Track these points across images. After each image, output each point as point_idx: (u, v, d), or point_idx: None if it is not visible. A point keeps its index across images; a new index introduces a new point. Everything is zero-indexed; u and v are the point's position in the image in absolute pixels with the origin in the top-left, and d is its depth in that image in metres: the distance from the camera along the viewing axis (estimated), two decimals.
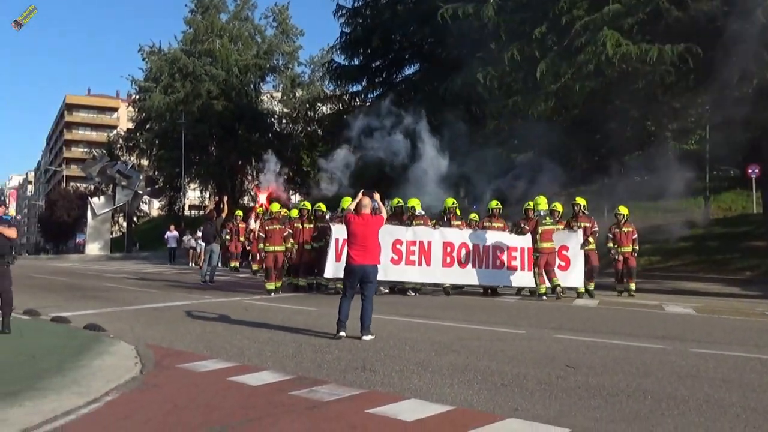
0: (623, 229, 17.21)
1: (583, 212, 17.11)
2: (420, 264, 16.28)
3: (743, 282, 18.85)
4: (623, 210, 17.52)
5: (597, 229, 16.96)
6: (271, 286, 16.69)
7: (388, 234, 15.43)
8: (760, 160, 25.08)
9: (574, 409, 5.92)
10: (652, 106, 24.22)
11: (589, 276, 16.63)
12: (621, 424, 5.45)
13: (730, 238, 23.66)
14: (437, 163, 18.53)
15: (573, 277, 16.38)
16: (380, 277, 14.79)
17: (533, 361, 8.01)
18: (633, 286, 16.84)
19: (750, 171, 26.83)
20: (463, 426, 5.38)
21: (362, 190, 10.28)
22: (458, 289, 17.31)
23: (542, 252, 15.92)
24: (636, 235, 17.29)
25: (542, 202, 16.38)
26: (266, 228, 16.99)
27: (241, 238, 25.09)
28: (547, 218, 16.13)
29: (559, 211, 16.83)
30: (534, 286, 16.23)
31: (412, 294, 16.64)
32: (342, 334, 9.48)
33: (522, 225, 16.72)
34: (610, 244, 17.24)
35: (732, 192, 31.83)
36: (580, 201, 17.28)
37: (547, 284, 15.93)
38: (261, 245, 17.05)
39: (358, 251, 9.75)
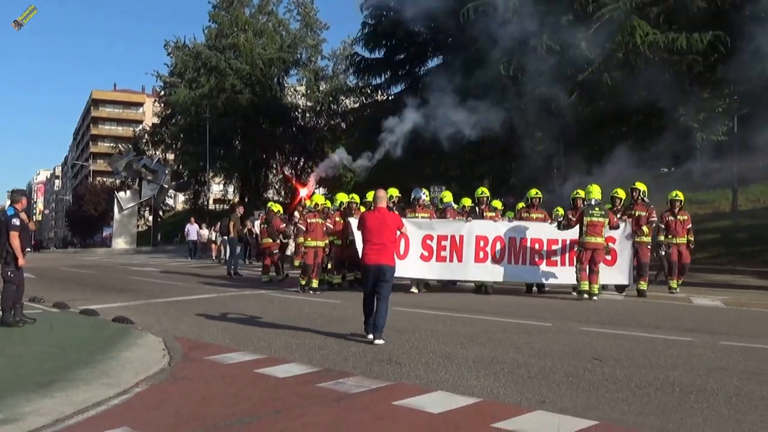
0: (679, 217, 15.45)
1: (642, 199, 15.20)
2: (451, 260, 15.00)
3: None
4: (680, 195, 15.73)
5: (655, 218, 15.06)
6: (313, 283, 15.61)
7: (418, 228, 14.97)
8: None
9: (602, 401, 5.89)
10: (679, 96, 23.95)
11: (640, 273, 14.85)
12: (649, 416, 5.42)
13: (759, 230, 23.33)
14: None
15: (618, 272, 14.70)
16: (410, 274, 14.98)
17: (560, 354, 7.97)
18: (677, 283, 15.37)
19: None
20: (490, 418, 5.37)
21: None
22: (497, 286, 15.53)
23: (586, 247, 14.00)
24: (691, 225, 15.60)
25: (595, 191, 14.41)
26: (308, 221, 15.74)
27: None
28: (596, 209, 14.05)
29: (621, 198, 15.32)
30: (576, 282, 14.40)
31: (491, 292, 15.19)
32: (370, 336, 8.81)
33: (570, 217, 14.95)
34: (661, 237, 15.49)
35: (760, 183, 31.39)
36: (641, 186, 15.33)
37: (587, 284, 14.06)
38: (301, 239, 15.97)
39: (375, 249, 9.04)
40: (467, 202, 16.79)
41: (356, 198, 16.86)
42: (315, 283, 15.66)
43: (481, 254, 14.99)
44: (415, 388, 6.37)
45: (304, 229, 15.78)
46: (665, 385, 6.39)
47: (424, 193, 16.29)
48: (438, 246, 14.99)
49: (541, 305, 13.23)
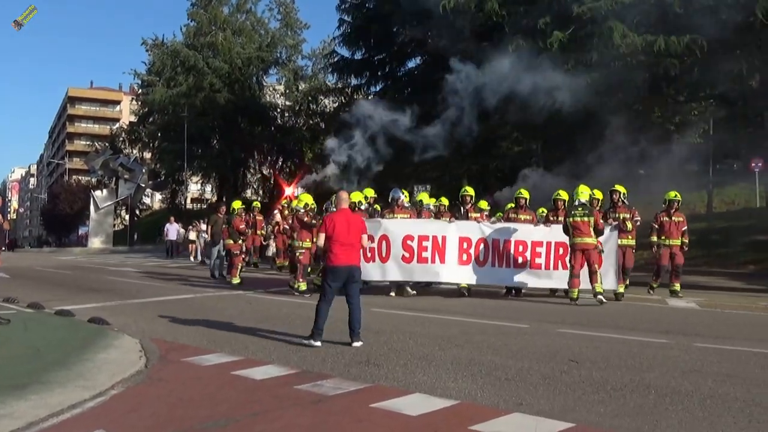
0: (674, 218, 14.97)
1: (623, 201, 14.97)
2: (433, 261, 14.50)
3: (746, 276, 18.82)
4: (678, 195, 15.23)
5: (639, 219, 14.77)
6: (302, 286, 15.01)
7: (398, 229, 14.63)
8: (763, 154, 25.03)
9: (578, 403, 5.93)
10: (656, 99, 24.20)
11: (621, 276, 14.47)
12: (625, 418, 5.46)
13: (734, 232, 23.61)
14: None
15: (604, 277, 13.79)
16: (391, 277, 14.68)
17: (537, 356, 8.02)
18: (678, 287, 14.83)
19: (753, 165, 26.72)
20: (468, 420, 5.39)
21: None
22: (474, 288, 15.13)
23: (574, 248, 13.49)
24: (686, 227, 15.10)
25: (583, 192, 13.90)
26: (303, 221, 15.10)
27: (259, 232, 23.94)
28: (579, 209, 13.55)
29: (598, 199, 14.84)
30: (566, 287, 13.97)
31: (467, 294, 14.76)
32: (318, 343, 8.55)
33: (551, 219, 14.88)
34: (654, 238, 14.97)
35: (735, 186, 31.77)
36: (620, 188, 15.03)
37: (580, 288, 13.51)
38: (299, 241, 15.14)
39: (345, 250, 8.88)
40: (445, 201, 16.32)
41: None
42: (304, 286, 15.04)
43: (465, 256, 14.58)
44: (393, 390, 6.38)
45: (298, 228, 15.15)
46: (641, 387, 6.44)
47: (402, 194, 15.83)
48: (419, 247, 14.49)
49: (518, 307, 13.28)
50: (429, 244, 14.50)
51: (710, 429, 5.22)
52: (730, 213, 28.11)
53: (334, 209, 14.04)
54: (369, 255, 14.16)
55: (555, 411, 5.66)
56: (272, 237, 23.33)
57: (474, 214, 15.31)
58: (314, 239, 14.45)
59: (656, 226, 15.01)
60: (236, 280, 17.67)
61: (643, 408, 5.77)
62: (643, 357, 7.95)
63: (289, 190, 23.70)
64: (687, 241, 15.08)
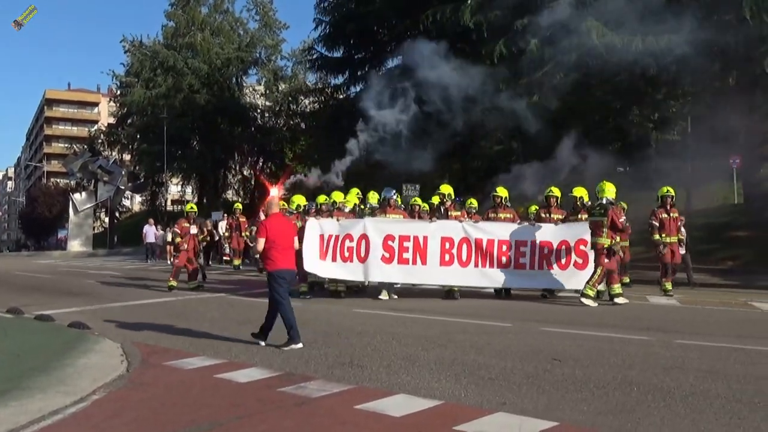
0: (672, 214, 14.69)
1: (610, 201, 13.87)
2: (414, 263, 14.03)
3: (725, 272, 18.97)
4: (672, 190, 14.92)
5: (624, 219, 13.84)
6: (304, 288, 14.66)
7: (379, 228, 14.17)
8: (740, 151, 25.26)
9: (562, 402, 5.96)
10: (634, 97, 24.37)
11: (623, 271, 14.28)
12: (608, 416, 5.49)
13: (712, 229, 23.81)
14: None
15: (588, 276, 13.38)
16: (370, 277, 14.28)
17: (520, 355, 8.04)
18: (669, 285, 14.71)
19: (731, 162, 26.96)
20: (452, 421, 5.40)
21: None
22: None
23: (593, 248, 13.32)
24: (683, 221, 14.92)
25: (609, 190, 13.38)
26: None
27: (244, 234, 23.77)
28: (597, 208, 13.34)
29: (581, 198, 14.31)
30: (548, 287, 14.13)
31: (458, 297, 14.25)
32: (300, 345, 8.63)
33: (543, 216, 14.60)
34: (656, 236, 14.57)
35: (714, 183, 32.02)
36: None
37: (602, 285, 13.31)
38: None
39: (286, 254, 9.01)
40: (436, 199, 15.92)
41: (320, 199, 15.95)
42: (305, 287, 14.71)
43: (447, 257, 14.07)
44: (377, 391, 6.37)
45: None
46: (623, 385, 6.48)
47: (394, 193, 15.44)
48: (400, 247, 14.04)
49: (501, 306, 13.32)
50: (410, 244, 14.05)
51: (692, 426, 5.26)
52: (709, 210, 28.35)
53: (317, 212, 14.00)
54: (347, 255, 13.98)
55: (538, 410, 5.69)
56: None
57: (454, 213, 14.98)
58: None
59: (656, 224, 14.63)
60: (172, 283, 16.87)
61: (626, 405, 5.81)
62: (625, 354, 8.00)
63: (274, 191, 23.06)
64: (684, 237, 14.98)
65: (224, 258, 27.85)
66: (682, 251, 16.07)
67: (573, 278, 13.70)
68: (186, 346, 8.90)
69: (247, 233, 23.88)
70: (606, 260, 13.11)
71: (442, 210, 15.18)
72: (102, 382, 6.73)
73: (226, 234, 25.18)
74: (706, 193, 30.95)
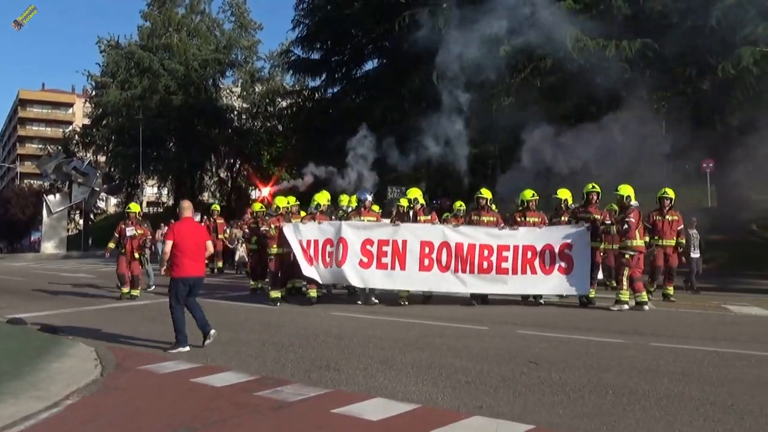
0: (667, 217, 14.33)
1: (597, 201, 13.98)
2: (393, 267, 13.49)
3: (699, 275, 19.12)
4: (671, 193, 14.55)
5: (609, 221, 13.57)
6: (276, 294, 14.02)
7: (357, 231, 13.68)
8: (713, 155, 25.57)
9: (538, 405, 5.98)
10: (610, 100, 24.57)
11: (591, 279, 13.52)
12: (584, 419, 5.52)
13: (647, 230, 24.02)
14: None
15: (576, 281, 13.21)
16: (347, 282, 13.87)
17: (497, 358, 8.07)
18: (671, 290, 14.37)
19: (704, 165, 27.29)
20: (428, 424, 5.40)
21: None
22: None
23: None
24: (682, 226, 14.44)
25: (628, 191, 13.22)
26: (272, 226, 14.24)
27: (221, 236, 23.23)
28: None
29: (564, 200, 14.15)
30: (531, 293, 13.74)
31: (405, 304, 13.68)
32: (186, 348, 8.69)
33: (519, 220, 13.95)
34: (646, 238, 13.95)
35: (686, 187, 32.37)
36: (596, 187, 13.96)
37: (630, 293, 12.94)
38: (274, 249, 14.24)
39: (190, 261, 8.98)
40: (404, 202, 15.11)
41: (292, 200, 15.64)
42: (278, 294, 14.05)
43: (426, 261, 13.49)
44: (354, 395, 6.36)
45: (273, 233, 14.17)
46: (599, 388, 6.52)
47: (370, 194, 15.08)
48: (378, 252, 13.53)
49: (478, 309, 13.28)
50: (389, 249, 13.52)
51: (667, 428, 5.30)
52: (684, 213, 28.63)
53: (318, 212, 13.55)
54: (329, 260, 13.58)
55: (515, 413, 5.71)
56: (240, 241, 22.71)
57: (424, 218, 14.36)
58: (268, 248, 14.36)
59: (648, 226, 14.19)
60: (125, 290, 15.70)
61: (602, 408, 5.84)
62: (601, 357, 8.05)
63: (265, 191, 22.33)
64: (684, 241, 14.56)
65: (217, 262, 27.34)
66: (696, 254, 16.28)
67: (558, 283, 13.31)
68: (161, 349, 8.82)
69: (226, 235, 23.65)
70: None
71: (411, 214, 14.51)
72: (76, 387, 6.66)
73: None
74: (679, 196, 31.30)
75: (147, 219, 20.92)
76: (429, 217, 14.48)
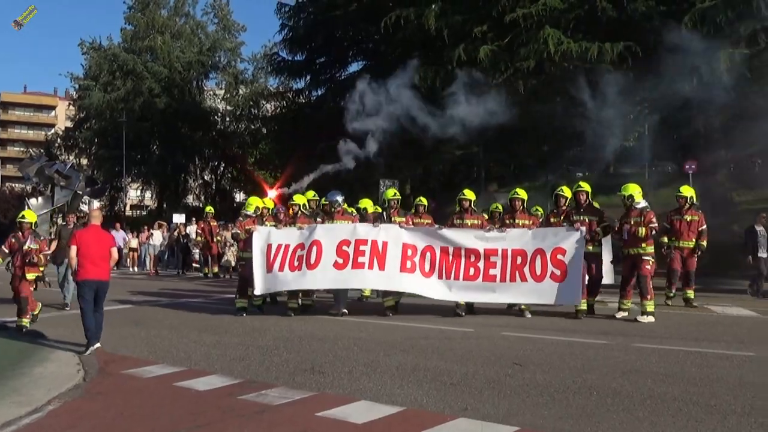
0: (686, 216, 13.49)
1: (590, 202, 12.81)
2: (371, 267, 12.33)
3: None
4: (686, 191, 13.83)
5: (608, 224, 12.52)
6: (242, 303, 12.95)
7: (333, 234, 12.62)
8: (696, 156, 25.75)
9: (523, 407, 5.99)
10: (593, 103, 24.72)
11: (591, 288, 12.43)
12: (568, 420, 5.54)
13: (664, 230, 24.15)
14: None
15: (570, 289, 11.81)
16: (317, 285, 12.91)
17: (481, 360, 8.08)
18: (692, 294, 13.51)
19: (687, 167, 27.44)
20: (414, 427, 5.41)
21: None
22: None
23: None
24: (704, 226, 13.48)
25: (635, 191, 12.36)
26: (245, 228, 13.26)
27: (216, 239, 22.81)
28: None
29: (566, 198, 12.75)
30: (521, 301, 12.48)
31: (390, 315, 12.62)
32: (98, 345, 8.87)
33: (507, 221, 12.86)
34: (664, 239, 13.41)
35: (670, 187, 32.58)
36: (586, 187, 12.67)
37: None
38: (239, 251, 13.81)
39: (92, 265, 9.23)
40: (366, 203, 14.74)
41: (267, 203, 14.57)
42: (245, 303, 12.98)
43: (408, 264, 12.48)
44: (339, 398, 6.35)
45: (243, 236, 13.31)
46: (583, 389, 6.54)
47: (340, 197, 13.78)
48: (355, 251, 12.39)
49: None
50: (367, 248, 12.39)
51: (651, 428, 5.33)
52: (666, 214, 28.81)
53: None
54: (296, 264, 12.40)
55: (500, 415, 5.71)
56: (229, 244, 21.96)
57: (398, 219, 13.44)
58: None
59: (666, 226, 13.48)
60: (23, 322, 11.61)
61: (586, 409, 5.86)
62: (585, 358, 8.08)
63: (272, 193, 21.25)
64: (705, 243, 13.53)
65: (194, 264, 27.13)
66: (764, 254, 15.43)
67: (549, 292, 11.94)
68: (144, 353, 8.78)
69: (219, 239, 23.30)
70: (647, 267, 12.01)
71: (385, 216, 13.77)
72: (58, 392, 6.61)
73: (199, 239, 24.25)
74: (661, 197, 31.53)
75: (127, 222, 20.53)
76: (403, 219, 13.46)
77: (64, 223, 15.30)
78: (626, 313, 12.08)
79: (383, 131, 19.24)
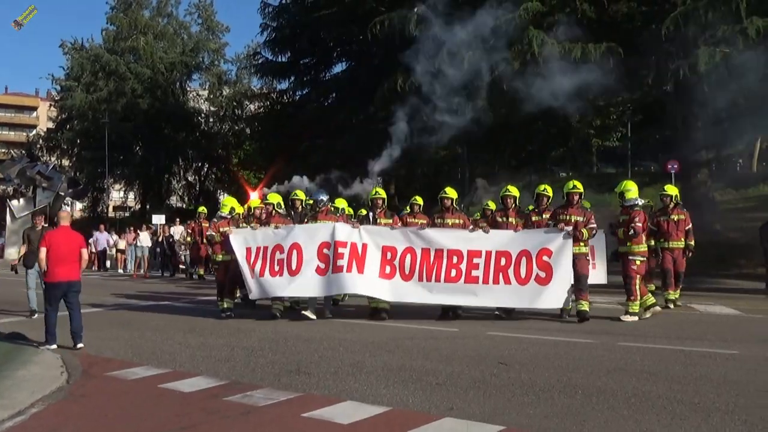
0: (672, 216, 13.22)
1: (579, 202, 12.05)
2: (350, 270, 11.88)
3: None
4: (670, 190, 13.63)
5: (595, 225, 11.89)
6: (227, 304, 12.88)
7: (312, 237, 12.18)
8: (678, 156, 25.94)
9: (508, 406, 6.01)
10: (575, 104, 24.86)
11: (579, 288, 11.61)
12: (554, 419, 5.56)
13: (651, 232, 24.30)
14: None
15: (554, 293, 11.40)
16: (301, 293, 12.38)
17: (467, 359, 8.09)
18: (676, 295, 13.23)
19: (669, 166, 27.65)
20: (399, 427, 5.41)
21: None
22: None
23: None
24: (690, 225, 13.23)
25: (632, 188, 12.09)
26: (220, 230, 13.10)
27: (206, 239, 22.85)
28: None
29: (548, 197, 12.24)
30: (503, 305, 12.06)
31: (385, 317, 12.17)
32: (54, 346, 9.20)
33: (500, 220, 12.45)
34: (651, 242, 12.87)
35: (652, 187, 32.81)
36: (578, 186, 11.97)
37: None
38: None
39: (61, 266, 9.47)
40: (342, 203, 14.68)
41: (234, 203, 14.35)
42: (228, 304, 12.88)
43: (388, 268, 12.06)
44: (325, 398, 6.34)
45: (218, 239, 13.12)
46: (568, 388, 6.57)
47: (325, 196, 13.33)
48: (335, 254, 11.92)
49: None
50: (346, 251, 11.94)
51: (635, 427, 5.36)
52: (650, 215, 28.99)
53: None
54: (277, 269, 12.09)
55: (485, 414, 5.73)
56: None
57: (385, 220, 12.88)
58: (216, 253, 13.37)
59: (653, 228, 13.07)
60: None
61: (571, 408, 5.88)
62: (570, 357, 8.12)
63: (254, 194, 20.91)
64: (692, 243, 13.36)
65: (180, 266, 26.89)
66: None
67: (533, 295, 11.52)
68: (129, 355, 8.73)
69: (207, 238, 23.03)
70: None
71: (371, 216, 13.16)
72: (41, 395, 6.56)
73: (189, 240, 23.93)
74: (645, 196, 31.71)
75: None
76: (390, 221, 12.91)
77: (32, 225, 14.96)
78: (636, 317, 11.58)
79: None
